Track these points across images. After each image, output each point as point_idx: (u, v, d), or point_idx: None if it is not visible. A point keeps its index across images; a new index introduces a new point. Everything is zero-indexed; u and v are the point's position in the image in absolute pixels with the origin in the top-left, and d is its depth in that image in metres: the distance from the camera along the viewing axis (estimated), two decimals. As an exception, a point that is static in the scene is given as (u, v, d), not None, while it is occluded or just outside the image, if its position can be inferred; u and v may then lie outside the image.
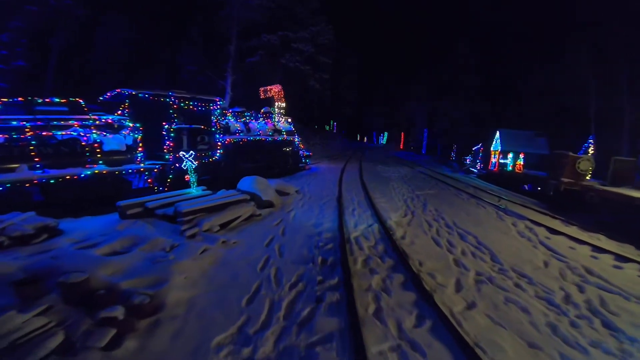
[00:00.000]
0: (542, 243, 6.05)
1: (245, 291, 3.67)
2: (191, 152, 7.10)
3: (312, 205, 7.85)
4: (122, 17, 23.54)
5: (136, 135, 7.23)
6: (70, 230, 5.25)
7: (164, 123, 7.48)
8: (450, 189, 12.02)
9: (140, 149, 7.22)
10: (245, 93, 22.69)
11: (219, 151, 8.91)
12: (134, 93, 7.17)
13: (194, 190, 7.16)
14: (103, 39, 23.54)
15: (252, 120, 11.86)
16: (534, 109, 24.25)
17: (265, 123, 12.47)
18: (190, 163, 6.99)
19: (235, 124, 10.51)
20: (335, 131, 54.04)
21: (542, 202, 10.41)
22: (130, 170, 7.00)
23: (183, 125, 7.77)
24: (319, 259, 4.58)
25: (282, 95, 14.16)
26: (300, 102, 26.21)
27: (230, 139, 9.73)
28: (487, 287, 4.04)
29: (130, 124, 7.22)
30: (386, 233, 5.76)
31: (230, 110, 11.18)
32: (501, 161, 17.42)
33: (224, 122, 10.00)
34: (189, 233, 5.33)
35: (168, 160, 7.62)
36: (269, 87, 14.10)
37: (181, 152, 7.02)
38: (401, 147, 53.29)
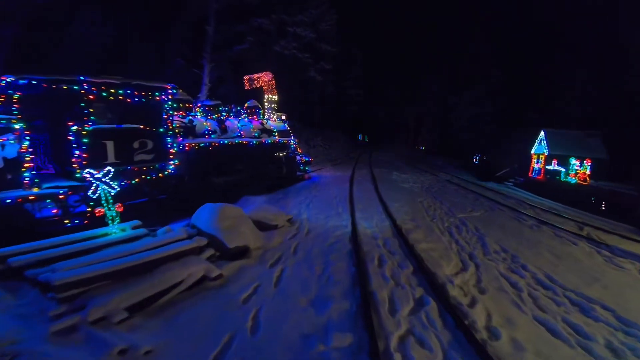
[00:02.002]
0: None
1: None
2: (108, 168, 4.52)
3: (311, 249, 5.18)
4: (100, 8, 21.33)
5: (24, 144, 4.64)
6: None
7: (70, 123, 4.89)
8: (500, 207, 9.33)
9: (28, 164, 4.63)
10: (235, 88, 20.23)
11: (172, 162, 6.30)
12: (13, 79, 4.59)
13: (116, 230, 4.56)
14: (79, 32, 21.35)
15: (230, 117, 9.26)
16: (574, 105, 21.40)
17: (250, 121, 9.84)
18: (104, 187, 4.39)
19: (204, 123, 7.89)
20: (338, 131, 51.42)
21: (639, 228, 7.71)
22: (8, 200, 4.41)
23: (106, 126, 5.16)
24: None
25: (273, 86, 11.53)
26: (298, 97, 23.45)
27: (192, 144, 7.11)
28: None
29: (17, 127, 4.64)
30: (457, 323, 3.11)
31: (198, 104, 8.58)
32: (548, 167, 14.76)
33: (185, 120, 7.41)
34: (57, 327, 2.79)
35: (84, 180, 5.00)
36: (255, 75, 11.49)
37: (86, 171, 4.42)
38: (411, 147, 50.78)
